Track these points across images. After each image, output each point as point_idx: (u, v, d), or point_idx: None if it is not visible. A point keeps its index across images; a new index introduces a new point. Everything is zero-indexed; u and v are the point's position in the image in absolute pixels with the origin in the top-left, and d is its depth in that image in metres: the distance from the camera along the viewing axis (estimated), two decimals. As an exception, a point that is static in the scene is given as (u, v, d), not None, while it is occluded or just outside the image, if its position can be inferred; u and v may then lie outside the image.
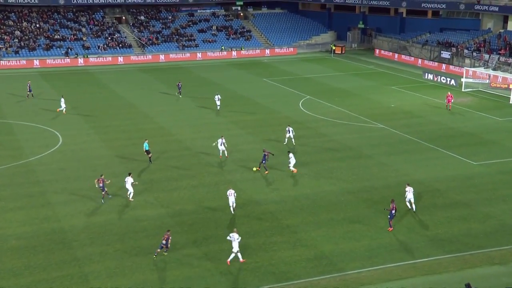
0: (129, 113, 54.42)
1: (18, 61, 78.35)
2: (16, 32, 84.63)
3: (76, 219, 31.53)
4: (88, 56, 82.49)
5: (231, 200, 32.49)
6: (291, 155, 38.60)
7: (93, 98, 60.16)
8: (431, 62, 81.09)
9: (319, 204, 33.91)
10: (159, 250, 27.58)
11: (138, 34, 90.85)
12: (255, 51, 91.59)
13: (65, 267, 26.63)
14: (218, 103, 54.89)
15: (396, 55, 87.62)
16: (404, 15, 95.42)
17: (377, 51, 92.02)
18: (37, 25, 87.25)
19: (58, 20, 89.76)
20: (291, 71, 78.37)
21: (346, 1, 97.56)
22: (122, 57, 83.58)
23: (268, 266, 27.08)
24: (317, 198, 34.77)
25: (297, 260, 27.56)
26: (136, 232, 30.13)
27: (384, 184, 36.88)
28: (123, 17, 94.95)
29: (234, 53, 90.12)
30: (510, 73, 67.02)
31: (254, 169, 38.96)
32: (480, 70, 69.07)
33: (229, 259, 27.08)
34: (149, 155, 40.36)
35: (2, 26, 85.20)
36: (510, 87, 63.48)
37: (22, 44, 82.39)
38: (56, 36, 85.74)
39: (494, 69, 69.31)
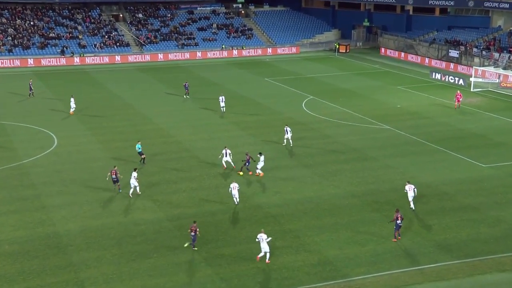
0: (127, 114, 54.49)
1: (11, 61, 78.44)
2: (9, 30, 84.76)
3: (71, 223, 31.56)
4: (85, 55, 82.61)
5: (234, 193, 33.69)
6: (262, 157, 38.37)
7: (89, 99, 60.20)
8: (439, 61, 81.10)
9: (322, 208, 33.91)
10: (193, 243, 28.47)
11: (136, 33, 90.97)
12: (256, 50, 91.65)
13: (60, 273, 26.65)
14: (222, 104, 54.47)
15: (403, 54, 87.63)
16: (411, 12, 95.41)
17: (382, 50, 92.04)
18: (31, 23, 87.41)
19: (53, 18, 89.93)
20: (293, 70, 78.39)
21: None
22: (119, 56, 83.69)
23: (270, 271, 27.07)
24: (320, 202, 34.76)
25: (300, 266, 27.56)
26: (134, 236, 30.16)
27: (390, 187, 36.86)
28: (121, 15, 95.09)
29: (235, 52, 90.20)
30: (521, 72, 67.00)
31: (241, 173, 38.74)
32: (490, 70, 69.07)
33: (258, 256, 27.59)
34: (142, 156, 40.39)
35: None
36: (520, 87, 63.47)
37: (16, 42, 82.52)
38: (51, 34, 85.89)
39: (504, 69, 69.27)
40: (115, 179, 35.33)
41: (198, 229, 28.73)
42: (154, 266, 27.30)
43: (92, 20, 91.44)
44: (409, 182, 33.87)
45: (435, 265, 27.71)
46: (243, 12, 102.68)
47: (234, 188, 33.81)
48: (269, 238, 27.81)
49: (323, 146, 45.19)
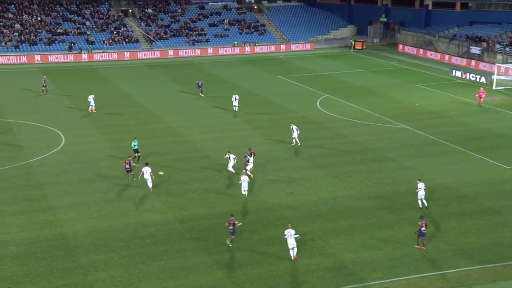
0: (136, 112, 54.74)
1: (18, 57, 79.06)
2: (16, 25, 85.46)
3: (79, 224, 31.77)
4: (93, 52, 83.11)
5: (244, 186, 34.62)
6: (251, 158, 38.35)
7: (97, 96, 60.38)
8: (459, 58, 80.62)
9: (337, 210, 33.86)
10: (232, 237, 29.11)
11: (146, 28, 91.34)
12: (269, 47, 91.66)
13: (68, 275, 26.82)
14: (235, 103, 54.27)
15: (421, 50, 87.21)
16: (430, 7, 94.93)
17: (400, 46, 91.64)
18: (38, 18, 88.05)
19: (61, 13, 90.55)
20: (308, 67, 78.30)
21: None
22: (128, 53, 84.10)
23: (284, 275, 27.07)
24: (335, 204, 34.71)
25: (315, 269, 27.53)
26: (143, 238, 30.29)
27: (407, 189, 36.65)
28: (130, 10, 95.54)
29: (247, 48, 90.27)
30: (545, 70, 66.45)
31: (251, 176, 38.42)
32: (513, 67, 68.52)
33: (292, 257, 28.08)
34: (137, 154, 40.60)
35: (1, 19, 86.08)
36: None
37: (23, 38, 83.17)
38: (58, 30, 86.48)
39: (528, 66, 68.73)
40: (129, 169, 36.83)
41: (236, 222, 29.33)
42: (164, 269, 27.40)
43: (101, 16, 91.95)
44: (420, 180, 34.14)
45: (455, 270, 27.54)
46: (256, 7, 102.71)
47: (244, 180, 34.76)
48: (297, 235, 28.14)
49: (338, 146, 45.10)
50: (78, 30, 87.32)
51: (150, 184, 35.68)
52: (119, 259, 28.18)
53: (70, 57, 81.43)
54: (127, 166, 36.84)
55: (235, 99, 54.42)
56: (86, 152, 43.23)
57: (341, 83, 68.75)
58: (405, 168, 40.51)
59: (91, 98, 53.84)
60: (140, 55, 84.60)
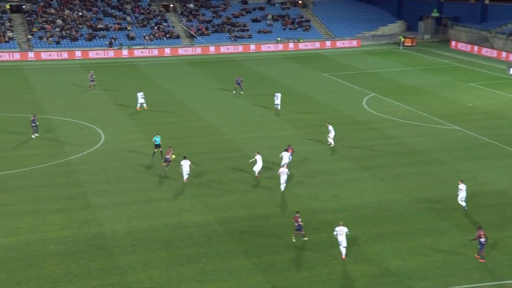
0: (176, 109, 55.36)
1: (59, 53, 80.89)
2: (57, 20, 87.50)
3: (118, 223, 32.32)
4: (133, 47, 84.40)
5: (283, 178, 35.71)
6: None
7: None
8: (517, 55, 78.74)
9: (384, 214, 33.54)
10: (300, 232, 29.80)
11: (187, 24, 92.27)
12: (314, 43, 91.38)
13: (106, 275, 27.33)
14: (277, 102, 54.27)
15: (476, 47, 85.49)
16: (487, 1, 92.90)
17: (453, 43, 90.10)
18: (80, 13, 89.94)
19: (102, 8, 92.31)
20: (354, 65, 77.76)
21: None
22: (169, 49, 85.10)
23: (327, 281, 26.96)
24: (382, 207, 34.39)
25: (359, 276, 27.33)
26: (182, 239, 30.61)
27: (459, 194, 36.06)
28: (171, 5, 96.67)
29: (291, 45, 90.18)
30: None
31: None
32: None
33: (343, 255, 28.49)
34: (157, 149, 41.42)
35: (43, 15, 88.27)
36: None
37: (64, 34, 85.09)
38: (99, 25, 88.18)
39: None
40: (168, 159, 38.59)
41: (300, 219, 29.93)
42: (203, 272, 27.63)
43: (142, 11, 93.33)
44: (462, 182, 34.05)
45: (511, 282, 26.91)
46: (300, 2, 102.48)
47: (283, 173, 35.77)
48: (348, 232, 28.63)
49: (384, 148, 44.67)
50: (119, 26, 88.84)
51: (185, 176, 37.43)
52: (158, 260, 28.54)
53: (110, 53, 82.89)
54: (167, 156, 38.64)
55: (277, 98, 54.45)
56: (125, 150, 43.93)
57: (389, 81, 68.04)
58: (457, 171, 39.80)
59: (140, 95, 54.59)
60: (181, 51, 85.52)
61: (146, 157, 42.50)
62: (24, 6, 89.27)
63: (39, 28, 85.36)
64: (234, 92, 61.03)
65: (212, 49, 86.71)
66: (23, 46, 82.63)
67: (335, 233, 28.69)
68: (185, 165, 37.24)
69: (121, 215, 33.29)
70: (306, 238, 30.29)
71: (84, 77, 68.34)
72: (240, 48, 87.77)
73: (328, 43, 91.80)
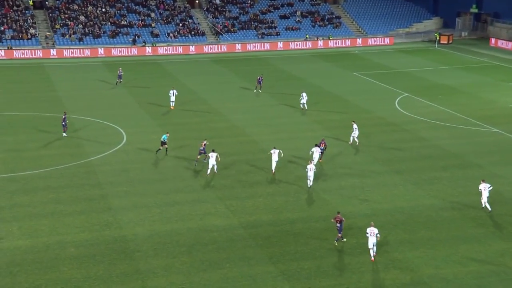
0: (200, 109, 55.57)
1: (81, 50, 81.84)
2: (80, 17, 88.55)
3: (139, 227, 32.53)
4: (157, 45, 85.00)
5: (310, 175, 36.76)
6: (315, 150, 39.99)
7: (161, 92, 61.77)
8: (560, 54, 77.41)
9: (416, 220, 33.22)
10: (339, 235, 30.17)
11: (213, 21, 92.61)
12: (345, 41, 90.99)
13: (127, 280, 27.51)
14: (302, 101, 54.46)
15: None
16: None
17: (493, 40, 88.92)
18: (103, 10, 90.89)
19: (126, 4, 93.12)
20: (386, 64, 77.23)
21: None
22: (194, 46, 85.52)
23: (355, 290, 26.80)
24: (414, 213, 34.06)
25: (390, 285, 27.10)
26: (205, 244, 30.68)
27: (497, 200, 35.53)
28: (196, 1, 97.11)
29: (320, 43, 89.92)
30: None
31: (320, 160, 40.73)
32: None
33: (372, 257, 28.86)
34: (163, 147, 42.64)
35: (66, 11, 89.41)
36: None
37: (87, 30, 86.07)
38: (122, 22, 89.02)
39: None
40: (202, 151, 40.48)
41: (343, 219, 30.29)
42: (227, 278, 27.65)
43: (166, 7, 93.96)
44: (484, 181, 34.16)
45: (549, 293, 26.45)
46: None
47: (310, 169, 36.66)
48: (379, 234, 28.91)
49: (418, 150, 44.26)
50: (143, 22, 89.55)
51: (215, 167, 38.95)
52: (180, 265, 28.64)
53: (134, 51, 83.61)
54: (201, 148, 40.46)
55: (303, 97, 54.52)
56: (148, 151, 44.20)
57: (423, 81, 67.43)
58: (495, 176, 39.23)
59: (172, 93, 55.01)
60: (206, 49, 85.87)
61: (169, 158, 42.72)
62: (47, 2, 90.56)
63: (61, 25, 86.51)
64: (254, 90, 61.25)
65: (238, 47, 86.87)
66: (45, 43, 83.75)
67: (367, 234, 29.06)
68: (212, 157, 38.81)
69: (143, 218, 33.49)
70: (336, 244, 30.45)
71: (106, 75, 69.12)
72: (267, 46, 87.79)
73: (359, 41, 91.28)
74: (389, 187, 37.68)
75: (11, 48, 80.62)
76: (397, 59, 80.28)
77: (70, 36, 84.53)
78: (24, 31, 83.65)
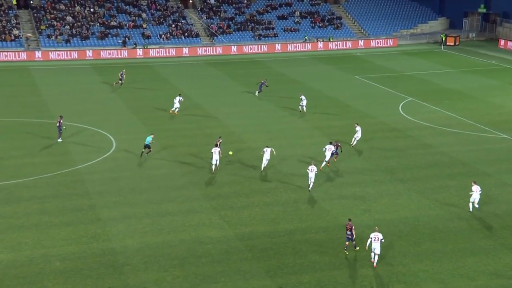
0: (194, 114, 55.57)
1: (68, 52, 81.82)
2: (67, 17, 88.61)
3: (129, 238, 32.46)
4: (148, 47, 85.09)
5: (311, 176, 37.59)
6: (328, 148, 41.57)
7: (153, 96, 61.92)
8: None
9: (421, 232, 33.23)
10: (347, 243, 30.46)
11: (207, 21, 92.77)
12: (346, 43, 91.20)
13: (115, 294, 27.44)
14: (302, 103, 55.26)
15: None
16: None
17: (502, 42, 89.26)
18: (92, 10, 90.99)
19: (115, 4, 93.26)
20: (389, 67, 77.40)
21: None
22: (187, 48, 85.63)
23: (357, 305, 26.78)
24: (419, 224, 34.08)
25: (393, 300, 27.09)
26: (199, 257, 30.63)
27: (507, 210, 35.70)
28: (190, 1, 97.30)
29: (320, 44, 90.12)
30: None
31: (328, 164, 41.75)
32: None
33: (375, 264, 29.31)
34: (146, 150, 43.11)
35: (52, 11, 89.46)
36: None
37: (74, 32, 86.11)
38: (112, 23, 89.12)
39: None
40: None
41: (354, 226, 30.60)
42: (221, 292, 27.60)
43: (158, 7, 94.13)
44: (475, 183, 35.20)
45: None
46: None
47: (312, 170, 37.60)
48: (383, 240, 29.39)
49: (423, 158, 44.32)
50: (133, 23, 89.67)
51: (217, 163, 40.64)
52: (172, 280, 28.58)
53: (124, 53, 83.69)
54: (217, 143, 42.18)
55: (303, 100, 55.36)
56: (139, 158, 44.17)
57: (429, 84, 67.58)
58: (504, 185, 39.34)
59: (177, 100, 55.14)
60: (200, 51, 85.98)
61: (161, 166, 42.71)
62: (31, 2, 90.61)
63: (47, 25, 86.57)
64: (256, 94, 61.49)
65: (234, 49, 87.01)
66: (30, 44, 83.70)
67: (369, 240, 29.38)
68: (215, 153, 40.58)
69: (133, 230, 33.44)
70: (357, 248, 30.82)
71: (95, 79, 69.19)
72: (264, 48, 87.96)
73: (361, 43, 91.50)
74: (392, 197, 37.69)
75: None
76: (401, 62, 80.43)
77: (56, 37, 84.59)
78: (7, 32, 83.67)
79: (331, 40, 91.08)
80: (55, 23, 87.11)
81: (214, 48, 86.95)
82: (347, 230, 30.54)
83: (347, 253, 30.52)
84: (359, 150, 45.49)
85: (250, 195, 37.97)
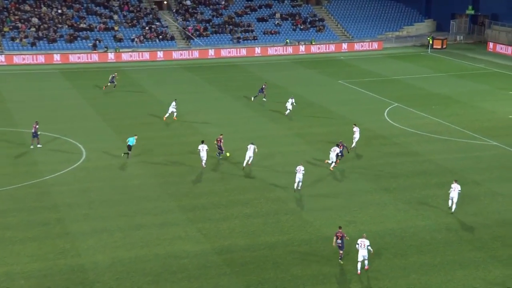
0: (170, 122, 55.43)
1: (34, 56, 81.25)
2: (33, 19, 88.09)
3: (99, 254, 32.25)
4: (120, 50, 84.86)
5: (298, 177, 38.93)
6: (334, 150, 43.15)
7: (125, 103, 61.68)
8: None
9: (408, 244, 33.40)
10: (341, 252, 30.96)
11: (183, 24, 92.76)
12: (329, 46, 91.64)
13: (85, 313, 27.25)
14: (289, 107, 56.55)
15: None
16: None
17: (491, 45, 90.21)
18: (59, 11, 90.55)
19: (85, 5, 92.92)
20: (374, 71, 77.87)
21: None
22: (162, 52, 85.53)
23: (341, 322, 26.81)
24: (405, 235, 34.25)
25: (379, 316, 27.17)
26: (174, 272, 30.52)
27: (497, 220, 35.96)
28: (165, 2, 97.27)
29: (302, 48, 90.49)
30: None
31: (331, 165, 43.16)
32: None
33: (358, 270, 29.91)
34: (128, 152, 44.40)
35: (16, 12, 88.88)
36: None
37: (40, 34, 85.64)
38: (81, 25, 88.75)
39: None
40: (219, 147, 44.66)
41: (345, 234, 31.08)
42: (198, 310, 27.53)
43: (131, 8, 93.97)
44: (456, 181, 36.75)
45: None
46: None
47: (299, 171, 38.87)
48: (371, 249, 30.11)
49: (409, 166, 44.61)
50: (104, 25, 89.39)
51: (203, 162, 42.92)
52: (145, 297, 28.46)
53: (95, 57, 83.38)
54: (218, 144, 44.31)
55: (290, 103, 56.62)
56: (110, 168, 43.98)
57: (415, 89, 68.06)
58: (495, 194, 39.69)
59: (173, 105, 55.38)
60: (176, 55, 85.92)
61: (134, 176, 42.54)
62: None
63: (11, 27, 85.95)
64: (264, 99, 61.86)
65: (211, 52, 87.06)
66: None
67: (357, 246, 30.13)
68: (203, 150, 42.74)
69: (104, 244, 33.23)
70: (342, 262, 31.13)
71: (63, 84, 68.81)
72: (243, 52, 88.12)
73: (344, 46, 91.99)
74: (378, 207, 37.84)
75: (-47, 54, 80.00)
76: (386, 66, 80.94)
77: (21, 40, 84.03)
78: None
79: (313, 43, 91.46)
80: (19, 24, 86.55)
81: (190, 51, 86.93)
82: (337, 238, 30.92)
83: (342, 263, 30.84)
84: (345, 158, 45.64)
85: (228, 206, 37.94)
